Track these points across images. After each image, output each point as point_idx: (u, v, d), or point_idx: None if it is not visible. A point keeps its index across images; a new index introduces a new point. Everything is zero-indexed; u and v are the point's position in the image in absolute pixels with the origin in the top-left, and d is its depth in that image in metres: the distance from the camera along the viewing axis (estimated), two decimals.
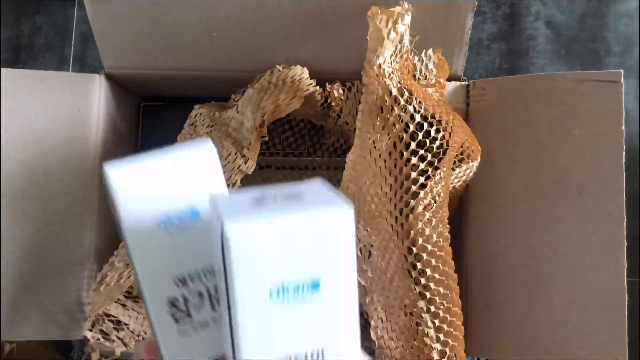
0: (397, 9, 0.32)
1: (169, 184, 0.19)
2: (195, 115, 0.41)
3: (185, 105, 0.44)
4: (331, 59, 0.41)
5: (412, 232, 0.33)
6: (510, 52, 0.82)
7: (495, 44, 0.83)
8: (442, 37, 0.39)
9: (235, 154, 0.35)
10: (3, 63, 0.84)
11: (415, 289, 0.33)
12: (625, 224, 0.35)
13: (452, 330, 0.33)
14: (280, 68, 0.40)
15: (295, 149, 0.47)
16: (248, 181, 0.36)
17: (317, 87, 0.40)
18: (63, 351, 0.70)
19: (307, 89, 0.38)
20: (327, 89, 0.41)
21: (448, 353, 0.33)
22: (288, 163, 0.53)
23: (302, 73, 0.39)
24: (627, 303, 0.34)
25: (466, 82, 0.42)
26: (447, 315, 0.33)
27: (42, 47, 0.86)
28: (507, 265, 0.38)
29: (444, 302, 0.33)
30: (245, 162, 0.35)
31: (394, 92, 0.32)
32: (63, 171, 0.42)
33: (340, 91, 0.41)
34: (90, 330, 0.39)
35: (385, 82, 0.32)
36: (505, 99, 0.40)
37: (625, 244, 0.35)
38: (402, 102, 0.32)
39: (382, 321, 0.36)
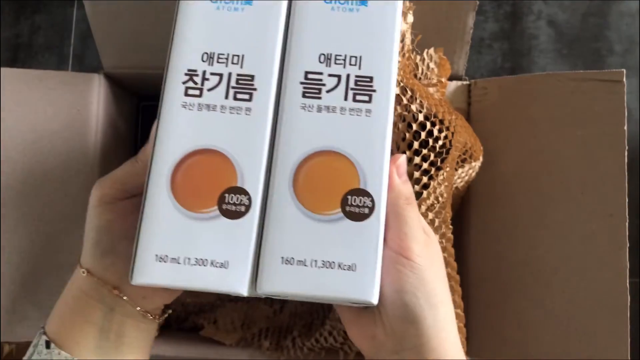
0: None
1: None
2: None
3: None
4: None
5: None
6: (512, 51, 0.82)
7: (497, 43, 0.82)
8: (444, 36, 0.39)
9: None
10: (2, 62, 0.84)
11: None
12: (627, 224, 0.35)
13: None
14: None
15: None
16: None
17: None
18: None
19: None
20: None
21: None
22: None
23: None
24: (629, 304, 0.34)
25: (468, 82, 0.42)
26: None
27: (42, 47, 0.85)
28: (508, 266, 0.38)
29: None
30: None
31: (396, 90, 0.32)
32: (63, 171, 0.42)
33: None
34: None
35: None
36: (507, 98, 0.40)
37: (628, 245, 0.35)
38: (405, 101, 0.32)
39: None
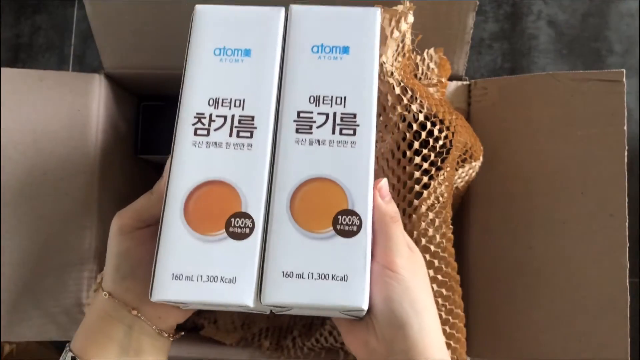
0: (400, 7, 0.32)
1: (238, 25, 0.25)
2: None
3: None
4: None
5: (415, 232, 0.33)
6: (511, 51, 0.82)
7: (497, 43, 0.82)
8: (444, 37, 0.39)
9: None
10: (3, 63, 0.84)
11: None
12: (627, 224, 0.35)
13: (454, 332, 0.33)
14: None
15: None
16: None
17: None
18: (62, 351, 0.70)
19: None
20: None
21: (450, 356, 0.33)
22: None
23: None
24: (629, 304, 0.34)
25: (468, 82, 0.42)
26: (449, 317, 0.33)
27: (42, 47, 0.85)
28: (508, 266, 0.38)
29: (446, 304, 0.33)
30: None
31: (397, 90, 0.32)
32: (63, 171, 0.42)
33: None
34: None
35: (388, 81, 0.32)
36: (506, 98, 0.40)
37: (628, 245, 0.35)
38: (405, 101, 0.32)
39: None
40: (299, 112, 0.23)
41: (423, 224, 0.33)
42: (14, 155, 0.41)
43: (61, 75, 0.43)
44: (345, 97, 0.24)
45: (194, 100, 0.24)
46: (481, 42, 0.82)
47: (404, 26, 0.32)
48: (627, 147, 0.35)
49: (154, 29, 0.41)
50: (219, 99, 0.24)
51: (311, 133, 0.23)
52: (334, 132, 0.23)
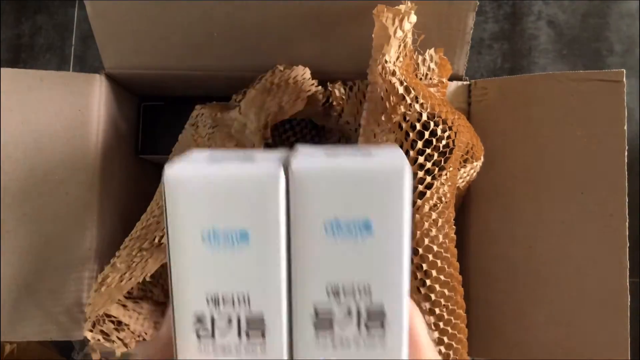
0: (403, 7, 0.32)
1: (227, 197, 0.19)
2: (197, 116, 0.41)
3: (186, 105, 0.43)
4: (332, 59, 0.41)
5: (418, 232, 0.33)
6: (512, 51, 0.82)
7: (497, 43, 0.82)
8: (444, 37, 0.39)
9: None
10: (4, 63, 0.84)
11: (420, 291, 0.33)
12: (627, 224, 0.35)
13: (455, 332, 0.33)
14: (282, 68, 0.39)
15: None
16: None
17: (319, 87, 0.39)
18: (63, 352, 0.70)
19: (310, 90, 0.38)
20: (329, 88, 0.41)
21: (452, 356, 0.33)
22: None
23: (304, 73, 0.38)
24: (629, 303, 0.34)
25: (468, 82, 0.42)
26: (451, 318, 0.33)
27: (43, 47, 0.85)
28: (508, 266, 0.38)
29: (448, 304, 0.33)
30: None
31: (400, 90, 0.32)
32: (63, 171, 0.42)
33: (342, 90, 0.41)
34: (91, 331, 0.39)
35: (391, 80, 0.32)
36: (506, 98, 0.40)
37: (628, 245, 0.35)
38: (409, 100, 0.32)
39: None
40: (315, 307, 0.20)
41: (426, 224, 0.32)
42: (14, 155, 0.41)
43: (62, 75, 0.43)
44: (369, 286, 0.20)
45: (188, 298, 0.20)
46: (481, 42, 0.83)
47: (407, 26, 0.32)
48: (627, 147, 0.35)
49: (155, 29, 0.41)
50: (217, 294, 0.20)
51: (333, 330, 0.20)
52: (359, 328, 0.20)
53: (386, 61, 0.32)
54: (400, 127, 0.33)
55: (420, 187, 0.32)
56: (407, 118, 0.32)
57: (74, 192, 0.41)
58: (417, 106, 0.32)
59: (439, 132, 0.32)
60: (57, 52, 0.85)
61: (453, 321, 0.33)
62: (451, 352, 0.33)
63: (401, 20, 0.31)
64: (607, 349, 0.34)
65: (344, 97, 0.41)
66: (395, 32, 0.31)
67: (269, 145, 0.46)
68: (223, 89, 0.44)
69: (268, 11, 0.39)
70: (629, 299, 0.34)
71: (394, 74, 0.32)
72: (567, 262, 0.36)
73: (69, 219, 0.41)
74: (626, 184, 0.35)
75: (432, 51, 0.38)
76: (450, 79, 0.41)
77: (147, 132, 0.49)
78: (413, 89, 0.32)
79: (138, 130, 0.49)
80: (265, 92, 0.36)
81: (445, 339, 0.33)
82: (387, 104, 0.33)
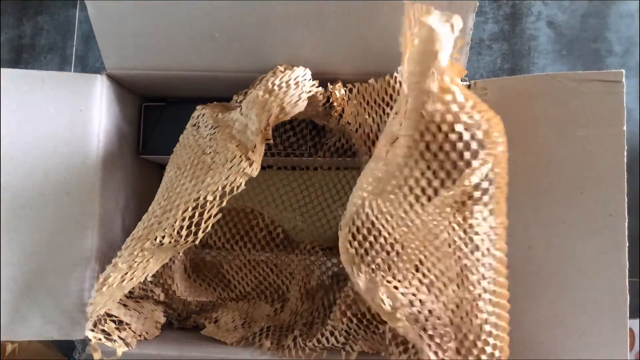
0: (453, 18, 0.27)
1: None
2: (198, 116, 0.41)
3: (187, 105, 0.44)
4: (332, 59, 0.41)
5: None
6: (511, 52, 0.82)
7: (497, 44, 0.83)
8: None
9: (240, 156, 0.35)
10: (5, 63, 0.85)
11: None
12: (627, 224, 0.35)
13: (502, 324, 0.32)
14: (282, 69, 0.40)
15: (297, 149, 0.47)
16: (249, 182, 0.36)
17: (320, 88, 0.40)
18: (65, 351, 0.70)
19: (311, 91, 0.38)
20: (329, 89, 0.41)
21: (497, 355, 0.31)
22: (289, 163, 0.53)
23: (305, 74, 0.39)
24: (628, 303, 0.34)
25: (467, 83, 0.42)
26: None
27: (44, 48, 0.86)
28: (508, 266, 0.38)
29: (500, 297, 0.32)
30: (250, 165, 0.35)
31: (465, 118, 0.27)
32: (64, 171, 0.42)
33: (342, 91, 0.41)
34: (92, 331, 0.39)
35: (445, 100, 0.27)
36: (506, 99, 0.40)
37: (627, 244, 0.35)
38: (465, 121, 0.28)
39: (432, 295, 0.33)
40: None
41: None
42: (15, 155, 0.41)
43: (63, 76, 0.43)
44: None
45: None
46: (481, 43, 0.83)
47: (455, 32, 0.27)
48: (626, 147, 0.35)
49: (156, 30, 0.41)
50: None
51: None
52: None
53: (439, 75, 0.27)
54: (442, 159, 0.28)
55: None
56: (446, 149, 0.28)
57: (75, 192, 0.42)
58: (473, 144, 0.28)
59: (487, 172, 0.28)
60: (58, 52, 0.85)
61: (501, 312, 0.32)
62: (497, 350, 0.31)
63: (452, 27, 0.26)
64: (607, 348, 0.34)
65: (344, 97, 0.41)
66: (445, 43, 0.26)
67: (270, 145, 0.46)
68: (224, 90, 0.44)
69: (268, 11, 0.39)
70: (629, 299, 0.34)
71: (447, 90, 0.27)
72: (567, 262, 0.36)
73: (70, 219, 0.41)
74: (626, 184, 0.35)
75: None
76: None
77: (148, 132, 0.49)
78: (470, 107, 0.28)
79: (139, 131, 0.49)
80: (267, 93, 0.36)
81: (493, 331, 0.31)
82: (431, 129, 0.28)
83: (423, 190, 0.29)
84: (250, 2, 0.39)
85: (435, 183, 0.29)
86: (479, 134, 0.28)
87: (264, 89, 0.37)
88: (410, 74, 0.27)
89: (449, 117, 0.28)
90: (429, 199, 0.30)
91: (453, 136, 0.28)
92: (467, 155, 0.28)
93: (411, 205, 0.30)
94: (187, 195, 0.36)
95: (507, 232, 0.39)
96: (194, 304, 0.47)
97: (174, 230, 0.35)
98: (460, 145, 0.28)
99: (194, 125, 0.41)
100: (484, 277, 0.31)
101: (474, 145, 0.28)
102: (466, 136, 0.28)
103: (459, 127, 0.28)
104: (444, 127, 0.28)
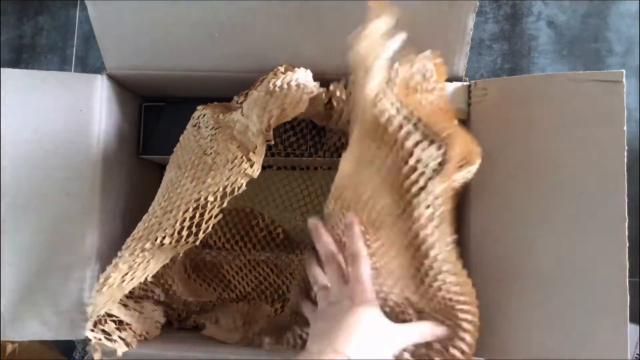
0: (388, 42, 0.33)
1: None
2: (199, 117, 0.41)
3: (187, 105, 0.44)
4: (333, 59, 0.41)
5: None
6: (511, 52, 0.82)
7: (497, 44, 0.83)
8: (444, 37, 0.39)
9: (241, 157, 0.35)
10: (5, 63, 0.85)
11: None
12: (627, 224, 0.35)
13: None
14: (283, 70, 0.40)
15: (297, 149, 0.47)
16: (249, 182, 0.36)
17: (321, 89, 0.40)
18: (65, 351, 0.70)
19: (312, 92, 0.38)
20: (330, 89, 0.41)
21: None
22: (289, 163, 0.53)
23: (306, 75, 0.39)
24: (628, 303, 0.34)
25: (467, 83, 0.42)
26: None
27: (45, 48, 0.86)
28: (508, 266, 0.38)
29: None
30: (251, 166, 0.35)
31: (392, 111, 0.33)
32: (65, 171, 0.42)
33: (343, 91, 0.41)
34: (92, 331, 0.39)
35: (381, 102, 0.33)
36: (506, 99, 0.40)
37: (627, 245, 0.35)
38: (401, 121, 0.33)
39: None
40: None
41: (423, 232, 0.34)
42: (15, 155, 0.41)
43: (63, 76, 0.43)
44: None
45: None
46: (481, 43, 0.83)
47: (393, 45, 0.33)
48: (626, 147, 0.35)
49: (156, 29, 0.41)
50: None
51: None
52: None
53: (375, 83, 0.33)
54: (393, 147, 0.34)
55: (416, 200, 0.34)
56: (399, 139, 0.33)
57: (75, 192, 0.42)
58: (410, 126, 0.33)
59: (433, 151, 0.33)
60: (58, 52, 0.85)
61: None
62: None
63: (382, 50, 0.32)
64: (607, 349, 0.34)
65: (344, 97, 0.41)
66: (377, 59, 0.32)
67: (270, 145, 0.46)
68: (224, 90, 0.44)
69: (269, 12, 0.39)
70: (629, 299, 0.34)
71: (383, 94, 0.33)
72: (567, 262, 0.36)
73: (70, 219, 0.41)
74: (626, 184, 0.35)
75: (426, 55, 0.38)
76: (450, 80, 0.41)
77: (148, 132, 0.49)
78: (405, 107, 0.33)
79: (139, 131, 0.49)
80: (268, 94, 0.36)
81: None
82: (379, 125, 0.34)
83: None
84: (250, 2, 0.39)
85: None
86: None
87: (265, 90, 0.37)
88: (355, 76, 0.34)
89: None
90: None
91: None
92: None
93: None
94: (187, 195, 0.36)
95: (507, 232, 0.39)
96: (194, 304, 0.47)
97: (174, 231, 0.35)
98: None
99: (195, 125, 0.41)
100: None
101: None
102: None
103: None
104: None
